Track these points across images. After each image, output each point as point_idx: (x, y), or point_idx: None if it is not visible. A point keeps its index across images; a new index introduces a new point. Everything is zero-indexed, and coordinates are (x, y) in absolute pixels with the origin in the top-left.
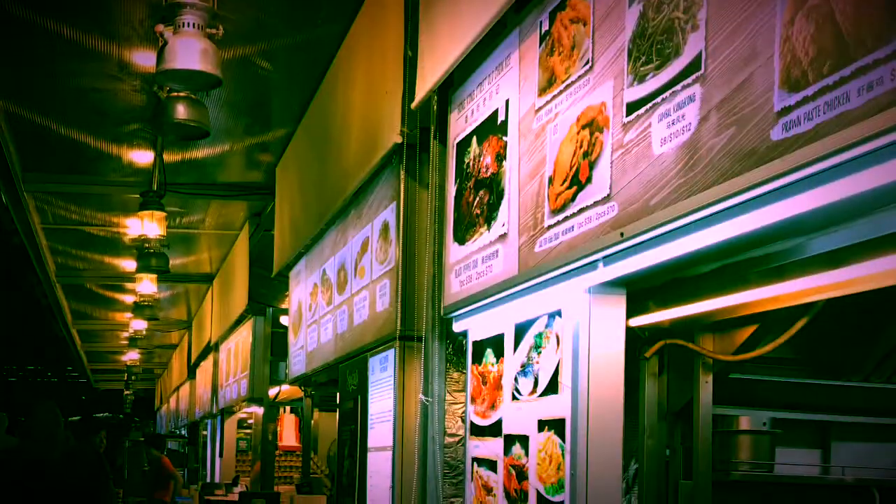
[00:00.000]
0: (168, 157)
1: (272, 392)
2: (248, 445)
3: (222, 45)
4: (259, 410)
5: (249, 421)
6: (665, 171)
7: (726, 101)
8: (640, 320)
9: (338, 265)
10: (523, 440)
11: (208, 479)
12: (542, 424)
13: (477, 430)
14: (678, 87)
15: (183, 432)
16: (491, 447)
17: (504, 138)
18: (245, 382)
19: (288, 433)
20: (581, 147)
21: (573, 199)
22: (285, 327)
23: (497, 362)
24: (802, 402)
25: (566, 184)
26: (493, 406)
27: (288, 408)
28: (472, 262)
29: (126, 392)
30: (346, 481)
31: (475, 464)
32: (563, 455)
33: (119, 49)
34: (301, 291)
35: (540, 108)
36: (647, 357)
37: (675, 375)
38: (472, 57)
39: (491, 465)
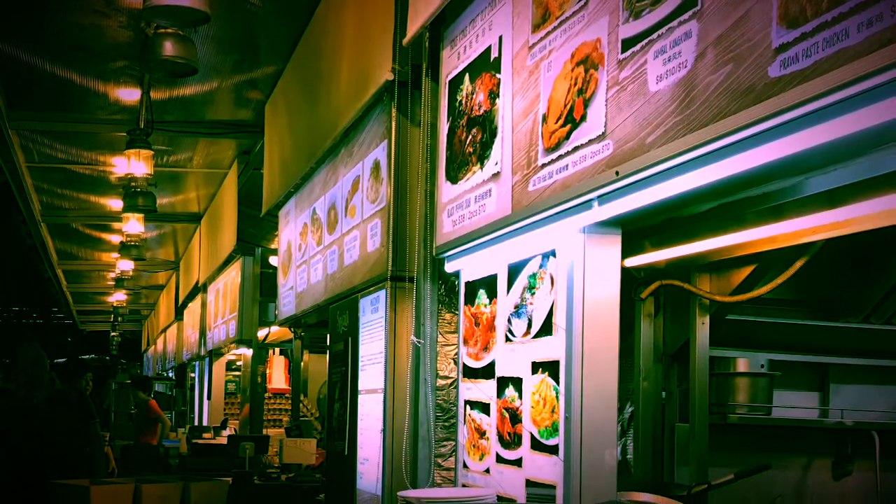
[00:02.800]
0: (155, 95)
1: (261, 334)
2: (236, 388)
3: None
4: (248, 352)
5: (238, 363)
6: (661, 109)
7: (723, 37)
8: (635, 260)
9: (328, 204)
10: (517, 382)
11: (196, 423)
12: (536, 366)
13: (470, 373)
14: (674, 23)
15: (170, 374)
16: (484, 389)
17: (497, 75)
18: (234, 324)
19: (277, 375)
20: (576, 84)
21: (567, 137)
22: (274, 268)
23: (490, 303)
24: (801, 344)
25: (560, 122)
26: (486, 348)
27: (277, 349)
28: (465, 202)
29: (112, 334)
30: (337, 424)
31: (468, 406)
32: (557, 398)
33: None
34: (290, 231)
35: (534, 45)
36: (642, 298)
37: (671, 317)
38: None
39: (484, 407)
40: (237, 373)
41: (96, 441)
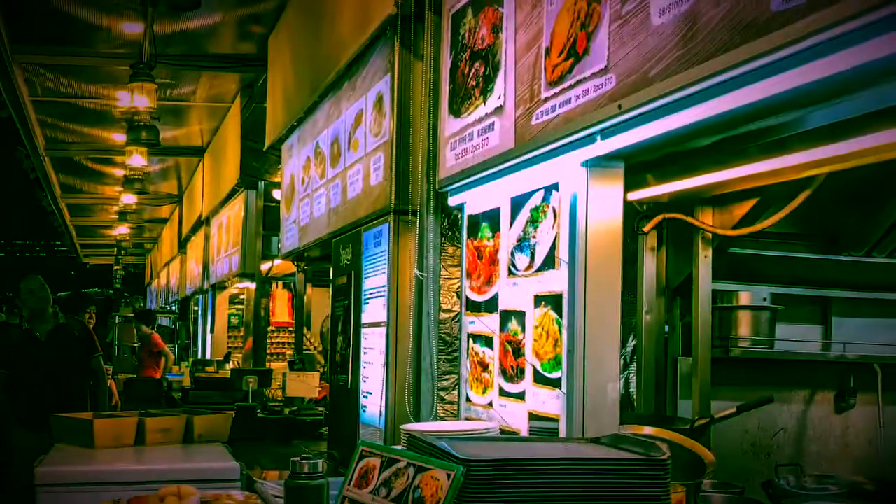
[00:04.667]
0: (158, 29)
1: (264, 267)
2: (239, 321)
3: None
4: (251, 286)
5: (241, 296)
6: (664, 43)
7: None
8: (638, 194)
9: (331, 138)
10: (519, 316)
11: (199, 356)
12: (539, 300)
13: (472, 306)
14: None
15: (174, 308)
16: (487, 323)
17: (500, 9)
18: (237, 257)
19: (280, 309)
20: (578, 18)
21: (570, 70)
22: (278, 201)
23: (493, 237)
24: (803, 278)
25: (563, 55)
26: (488, 281)
27: (280, 283)
28: (468, 135)
29: (116, 267)
30: (340, 358)
31: (470, 340)
32: (560, 331)
33: None
34: (294, 165)
35: None
36: (645, 231)
37: (673, 250)
38: None
39: (486, 341)
40: (240, 306)
41: (100, 374)
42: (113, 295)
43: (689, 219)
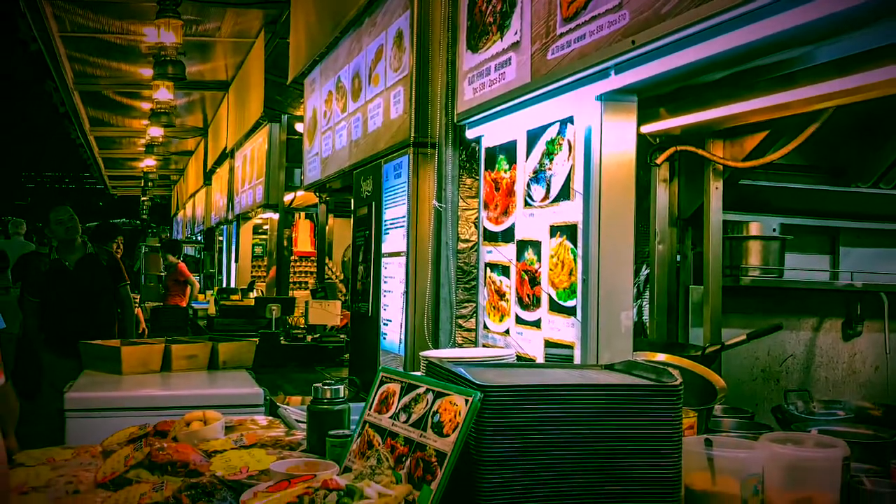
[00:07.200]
0: None
1: (287, 198)
2: (263, 251)
3: None
4: (274, 216)
5: (265, 227)
6: None
7: None
8: (651, 127)
9: (352, 73)
10: (536, 246)
11: (224, 285)
12: (555, 230)
13: (490, 236)
14: None
15: (199, 238)
16: (504, 252)
17: None
18: (260, 189)
19: (303, 239)
20: None
21: (585, 6)
22: (300, 134)
23: (510, 169)
24: (812, 208)
25: None
26: (505, 212)
27: (303, 213)
28: (486, 70)
29: (143, 198)
30: (361, 286)
31: (488, 269)
32: (575, 260)
33: None
34: (316, 99)
35: None
36: (658, 163)
37: (685, 182)
38: None
39: (504, 270)
40: (264, 236)
41: (127, 303)
42: (140, 225)
43: (700, 151)
